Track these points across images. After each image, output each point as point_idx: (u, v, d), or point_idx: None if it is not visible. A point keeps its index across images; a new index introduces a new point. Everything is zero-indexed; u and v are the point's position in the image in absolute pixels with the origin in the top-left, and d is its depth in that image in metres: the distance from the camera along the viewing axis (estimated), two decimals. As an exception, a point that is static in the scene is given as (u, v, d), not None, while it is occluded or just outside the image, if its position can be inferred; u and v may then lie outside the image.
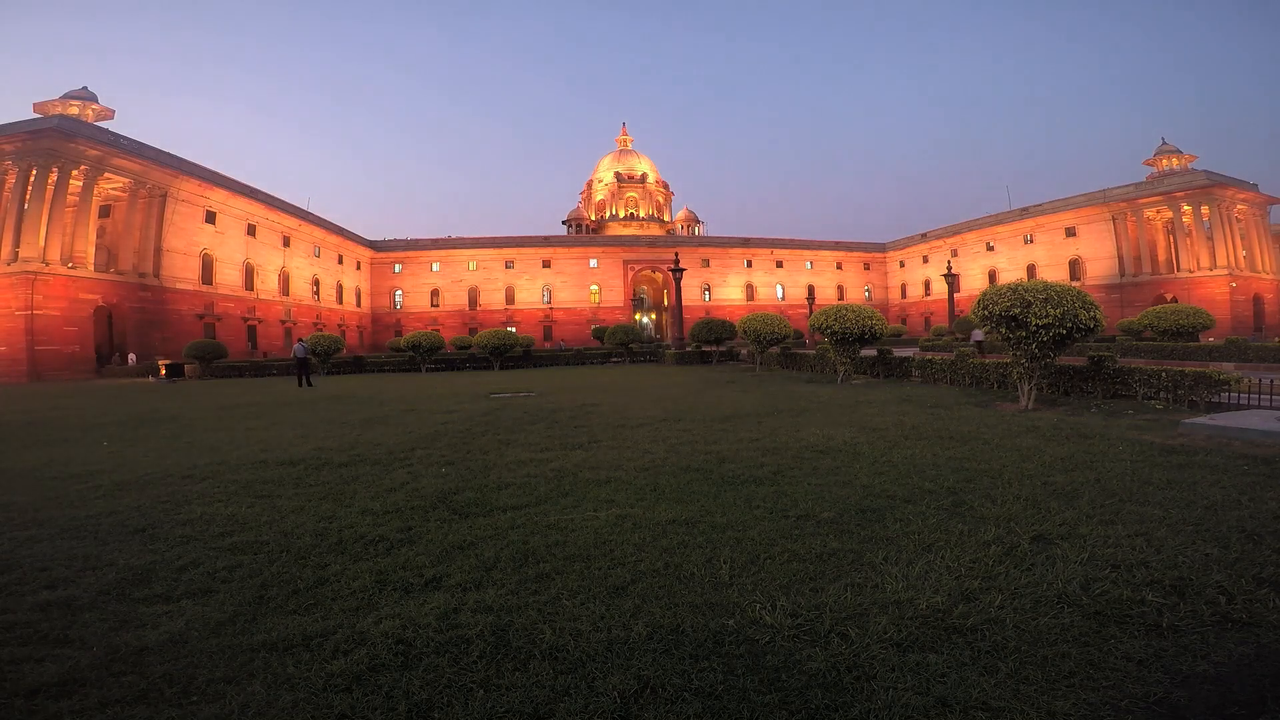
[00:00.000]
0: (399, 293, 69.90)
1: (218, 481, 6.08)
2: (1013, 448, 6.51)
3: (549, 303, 70.27)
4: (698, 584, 3.30)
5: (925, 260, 75.00)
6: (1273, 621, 2.72)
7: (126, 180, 38.00)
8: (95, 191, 36.30)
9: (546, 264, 70.85)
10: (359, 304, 66.19)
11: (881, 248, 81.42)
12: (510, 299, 69.76)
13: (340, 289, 62.40)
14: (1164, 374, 9.78)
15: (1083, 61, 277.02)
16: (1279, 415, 7.34)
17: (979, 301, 10.43)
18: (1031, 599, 2.97)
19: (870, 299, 77.53)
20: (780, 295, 75.09)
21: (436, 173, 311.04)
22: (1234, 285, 49.67)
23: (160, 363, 30.66)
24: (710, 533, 4.09)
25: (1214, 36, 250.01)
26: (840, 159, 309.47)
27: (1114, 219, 56.31)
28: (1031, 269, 61.35)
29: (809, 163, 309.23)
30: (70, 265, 34.19)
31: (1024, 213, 64.31)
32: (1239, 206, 52.51)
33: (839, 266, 79.31)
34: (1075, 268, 59.22)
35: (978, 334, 27.04)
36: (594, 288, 71.39)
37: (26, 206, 33.27)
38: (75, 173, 34.77)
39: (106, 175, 36.61)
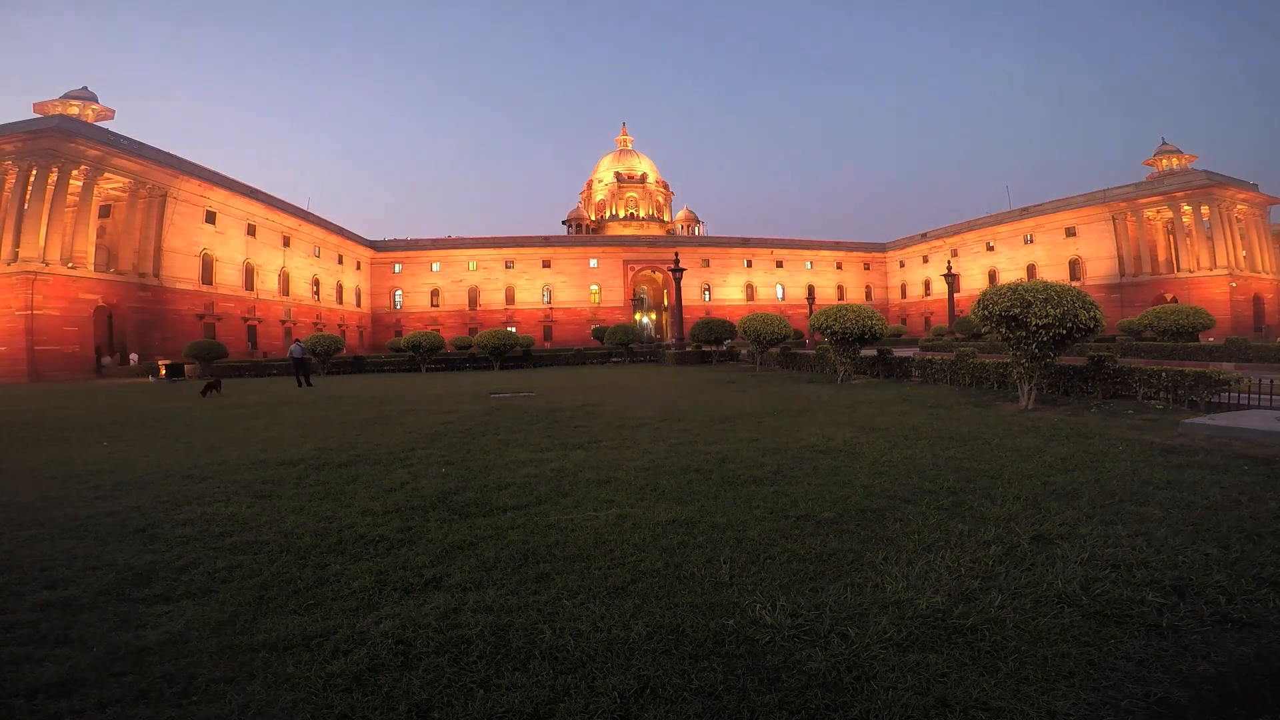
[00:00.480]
0: (399, 293, 69.90)
1: (218, 481, 6.08)
2: (1013, 448, 6.51)
3: (549, 303, 70.27)
4: (698, 584, 3.30)
5: (925, 260, 74.99)
6: (1273, 621, 2.72)
7: (126, 180, 38.00)
8: (95, 191, 36.29)
9: (546, 264, 70.85)
10: (359, 304, 66.18)
11: (881, 248, 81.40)
12: (510, 299, 69.76)
13: (340, 289, 62.40)
14: (1164, 374, 9.77)
15: (1083, 62, 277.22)
16: (1279, 415, 7.34)
17: (979, 301, 10.42)
18: (1031, 599, 2.97)
19: (870, 299, 77.51)
20: (780, 295, 75.09)
21: (437, 173, 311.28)
22: (1234, 285, 49.66)
23: (160, 363, 30.67)
24: (710, 533, 4.09)
25: (1214, 37, 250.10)
26: (840, 159, 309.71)
27: (1114, 219, 56.31)
28: (1031, 269, 61.35)
29: (809, 163, 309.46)
30: (70, 265, 34.19)
31: (1024, 213, 64.31)
32: (1239, 206, 52.51)
33: (839, 266, 79.31)
34: (1075, 268, 59.22)
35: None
36: (594, 288, 71.39)
37: (26, 206, 33.26)
38: (75, 173, 34.76)
39: (106, 175, 36.61)
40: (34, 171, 33.43)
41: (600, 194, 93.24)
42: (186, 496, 5.51)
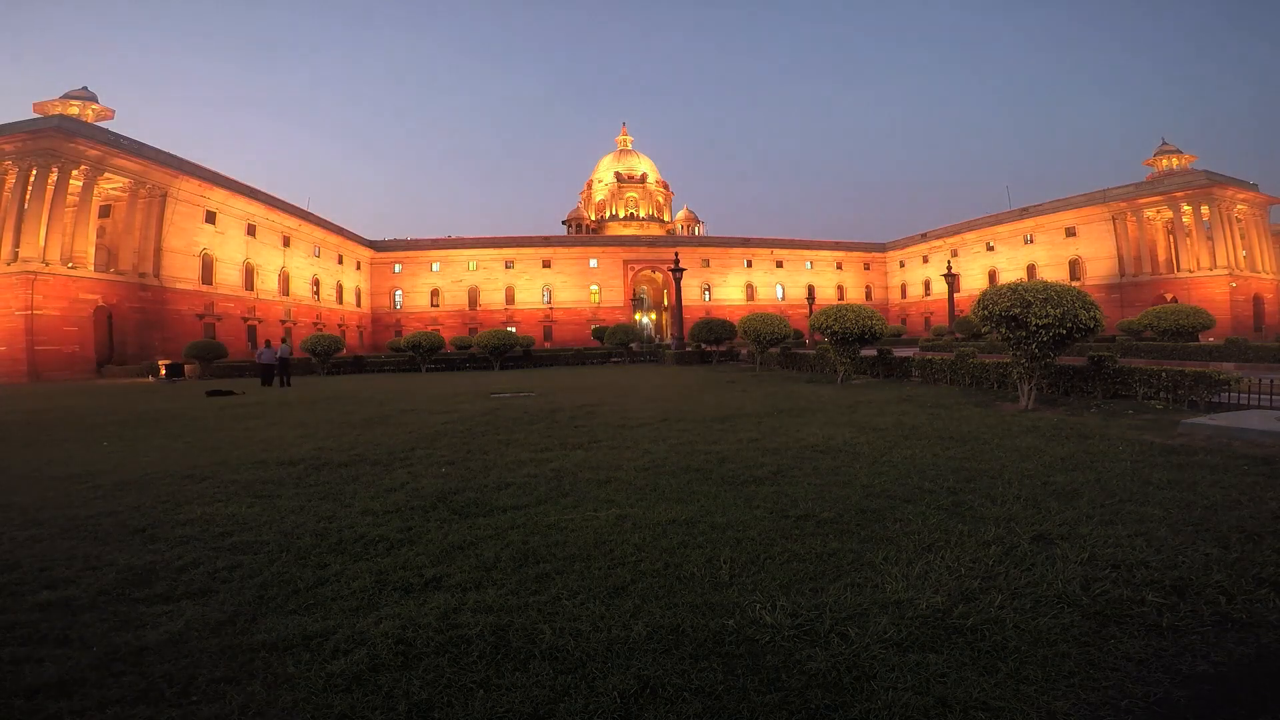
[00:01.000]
0: (399, 293, 69.90)
1: (218, 481, 6.08)
2: (1013, 448, 6.51)
3: (549, 303, 70.26)
4: (698, 584, 3.29)
5: (925, 260, 74.99)
6: (1273, 621, 2.72)
7: (126, 180, 37.99)
8: (95, 191, 36.29)
9: (546, 264, 70.84)
10: (359, 304, 66.18)
11: (881, 248, 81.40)
12: (510, 299, 69.76)
13: (340, 289, 62.40)
14: (1164, 374, 9.77)
15: (1083, 61, 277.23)
16: (1279, 415, 7.34)
17: (979, 301, 10.42)
18: (1031, 599, 2.97)
19: (870, 299, 77.48)
20: (780, 295, 75.08)
21: (436, 173, 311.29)
22: (1234, 285, 49.67)
23: (160, 363, 30.67)
24: (710, 533, 4.08)
25: (1214, 37, 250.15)
26: (841, 159, 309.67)
27: (1114, 219, 56.30)
28: (1031, 269, 61.35)
29: (810, 163, 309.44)
30: (70, 265, 34.18)
31: (1024, 213, 64.30)
32: (1239, 206, 52.51)
33: (839, 266, 79.30)
34: (1075, 268, 59.22)
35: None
36: (594, 288, 71.39)
37: (26, 206, 33.26)
38: (75, 173, 34.75)
39: (106, 175, 36.60)
40: (34, 171, 33.43)
41: (600, 194, 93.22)
42: (186, 496, 5.51)
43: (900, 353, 18.11)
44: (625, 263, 71.89)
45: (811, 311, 40.39)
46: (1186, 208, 51.63)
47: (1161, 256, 54.82)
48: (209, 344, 34.66)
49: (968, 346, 18.19)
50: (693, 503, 4.83)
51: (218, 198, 45.16)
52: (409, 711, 2.25)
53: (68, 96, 40.47)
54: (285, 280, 53.23)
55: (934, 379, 14.35)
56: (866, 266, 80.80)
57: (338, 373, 31.72)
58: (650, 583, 3.32)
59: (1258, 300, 52.27)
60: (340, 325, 59.12)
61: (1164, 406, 9.29)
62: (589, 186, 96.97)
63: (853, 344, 15.84)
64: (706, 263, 73.27)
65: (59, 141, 33.74)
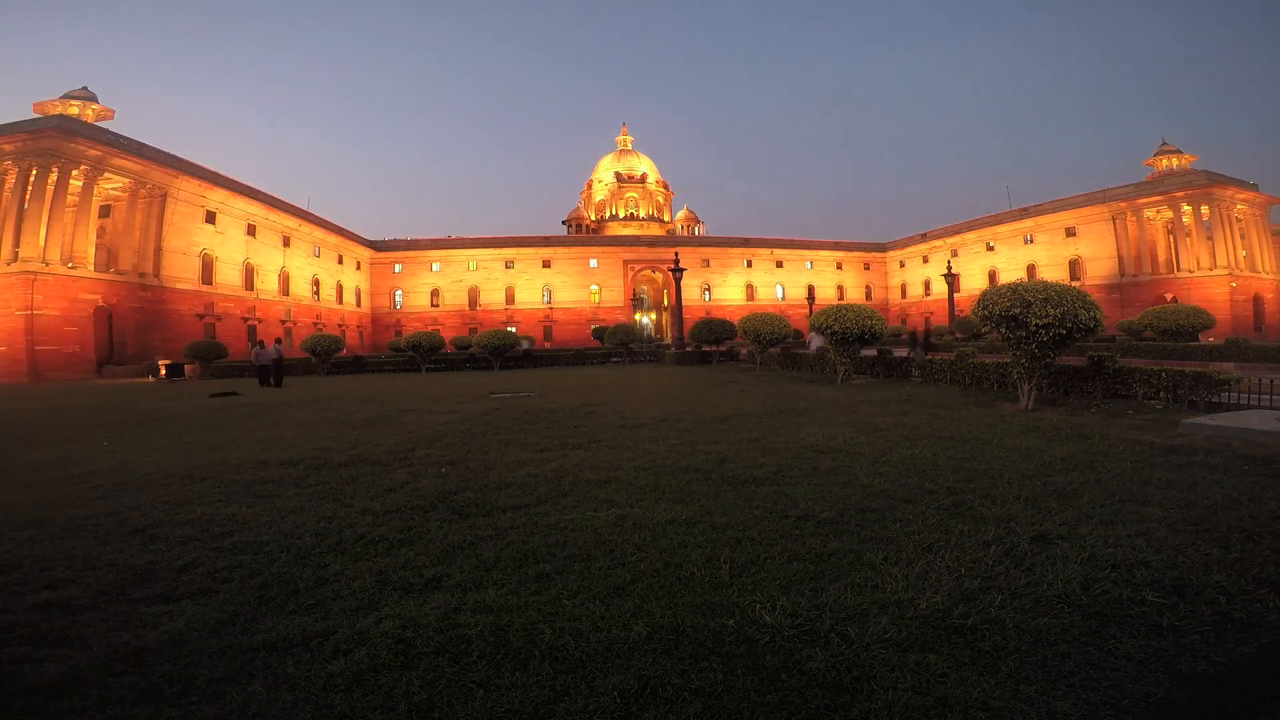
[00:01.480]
0: (399, 292, 69.90)
1: (218, 481, 6.08)
2: (1013, 448, 6.51)
3: (549, 303, 70.27)
4: (698, 584, 3.29)
5: (925, 260, 75.00)
6: (1273, 621, 2.72)
7: (126, 180, 37.99)
8: (95, 191, 36.29)
9: (546, 264, 70.85)
10: (359, 304, 66.18)
11: (881, 248, 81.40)
12: (510, 299, 69.76)
13: (340, 289, 62.40)
14: (1164, 374, 9.77)
15: (1083, 61, 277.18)
16: (1279, 415, 7.34)
17: (979, 301, 10.42)
18: (1031, 599, 2.97)
19: (870, 299, 77.49)
20: (780, 295, 75.09)
21: (436, 173, 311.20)
22: (1234, 285, 49.68)
23: (160, 363, 30.67)
24: (710, 533, 4.08)
25: (1214, 36, 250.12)
26: (841, 159, 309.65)
27: (1114, 219, 56.31)
28: (1031, 269, 61.35)
29: (809, 163, 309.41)
30: (70, 265, 34.18)
31: (1024, 213, 64.30)
32: (1239, 206, 52.51)
33: (839, 266, 79.31)
34: (1075, 268, 59.22)
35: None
36: (594, 288, 71.39)
37: (26, 206, 33.26)
38: (75, 173, 34.76)
39: (106, 175, 36.60)
40: (34, 171, 33.43)
41: (600, 194, 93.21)
42: (186, 496, 5.51)
43: (900, 353, 18.12)
44: (625, 263, 71.89)
45: (811, 311, 40.38)
46: (1186, 208, 51.63)
47: (1161, 256, 54.83)
48: (209, 344, 34.68)
49: (968, 346, 18.20)
50: (693, 503, 4.83)
51: (218, 198, 45.15)
52: (409, 711, 2.25)
53: (68, 96, 40.45)
54: (285, 280, 53.24)
55: (934, 379, 14.35)
56: (866, 266, 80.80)
57: (338, 373, 31.72)
58: (650, 583, 3.32)
59: (1258, 300, 52.29)
60: (340, 325, 59.12)
61: (1164, 406, 9.29)
62: (589, 186, 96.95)
63: (853, 344, 15.84)
64: (706, 263, 73.27)
65: (59, 141, 33.74)
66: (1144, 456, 5.89)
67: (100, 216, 38.08)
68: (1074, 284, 21.84)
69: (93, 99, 41.28)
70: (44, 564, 3.84)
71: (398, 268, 69.92)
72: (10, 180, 33.80)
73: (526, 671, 2.49)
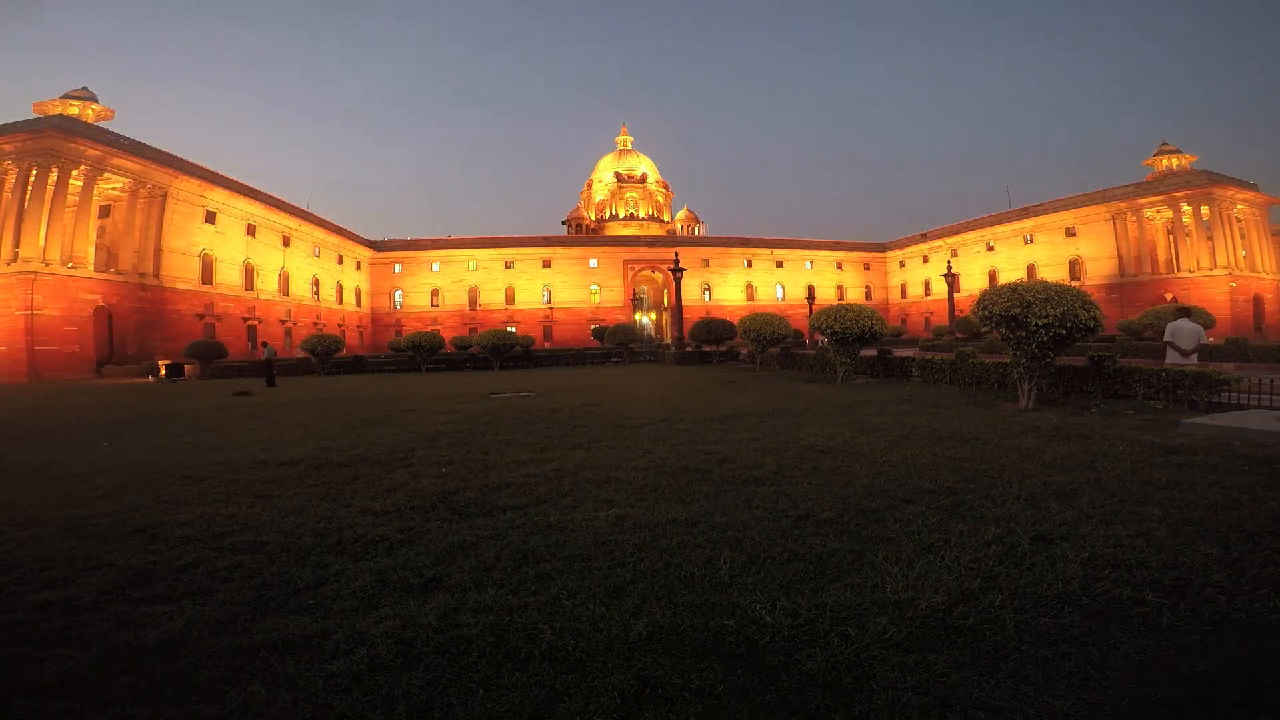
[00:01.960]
0: (399, 293, 69.91)
1: (218, 481, 6.08)
2: (1013, 448, 6.51)
3: (549, 303, 70.28)
4: (698, 584, 3.29)
5: (925, 260, 75.00)
6: (1273, 621, 2.72)
7: (126, 180, 37.99)
8: (95, 191, 36.28)
9: (546, 264, 70.86)
10: (359, 304, 66.18)
11: (881, 248, 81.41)
12: (510, 299, 69.77)
13: (340, 289, 62.41)
14: (1164, 374, 9.77)
15: (1083, 61, 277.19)
16: (1279, 415, 7.34)
17: (979, 301, 10.42)
18: (1031, 599, 2.97)
19: (870, 299, 77.51)
20: (780, 295, 75.09)
21: (436, 173, 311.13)
22: (1234, 285, 49.68)
23: (160, 363, 30.67)
24: (710, 533, 4.08)
25: (1214, 36, 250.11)
26: (841, 159, 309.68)
27: (1114, 219, 56.32)
28: (1031, 269, 61.34)
29: (809, 163, 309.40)
30: (70, 265, 34.19)
31: (1024, 213, 64.31)
32: (1239, 206, 52.51)
33: (839, 266, 79.32)
34: (1075, 268, 59.22)
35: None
36: (594, 288, 71.39)
37: (26, 206, 33.26)
38: (75, 173, 34.75)
39: (106, 175, 36.60)
40: (34, 171, 33.42)
41: (600, 194, 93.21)
42: (186, 496, 5.51)
43: (900, 353, 18.12)
44: (625, 263, 71.90)
45: (811, 311, 40.40)
46: (1186, 208, 51.64)
47: (1161, 256, 54.83)
48: (209, 344, 34.67)
49: (968, 346, 18.20)
50: (693, 503, 4.83)
51: (218, 198, 45.16)
52: (409, 711, 2.25)
53: (68, 96, 40.44)
54: (285, 280, 53.24)
55: (934, 379, 14.35)
56: (866, 266, 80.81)
57: (338, 373, 31.73)
58: (650, 583, 3.32)
59: (1258, 300, 52.29)
60: (340, 325, 59.12)
61: (1164, 406, 9.29)
62: (589, 186, 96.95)
63: (853, 344, 15.85)
64: (706, 263, 73.28)
65: (59, 141, 33.73)
66: (1144, 456, 5.89)
67: (100, 216, 38.08)
68: (1074, 284, 21.84)
69: (93, 99, 41.27)
70: (44, 564, 3.84)
71: (398, 268, 69.93)
72: (10, 180, 33.80)
73: (526, 671, 2.49)
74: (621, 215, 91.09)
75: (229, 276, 46.33)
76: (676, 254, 36.70)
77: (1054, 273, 58.32)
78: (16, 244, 32.94)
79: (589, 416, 10.24)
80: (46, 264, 33.01)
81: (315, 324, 54.40)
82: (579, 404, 12.28)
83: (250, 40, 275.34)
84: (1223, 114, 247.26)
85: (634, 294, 72.20)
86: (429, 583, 3.43)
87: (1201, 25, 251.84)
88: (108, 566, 3.77)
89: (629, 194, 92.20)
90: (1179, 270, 52.34)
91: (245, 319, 47.37)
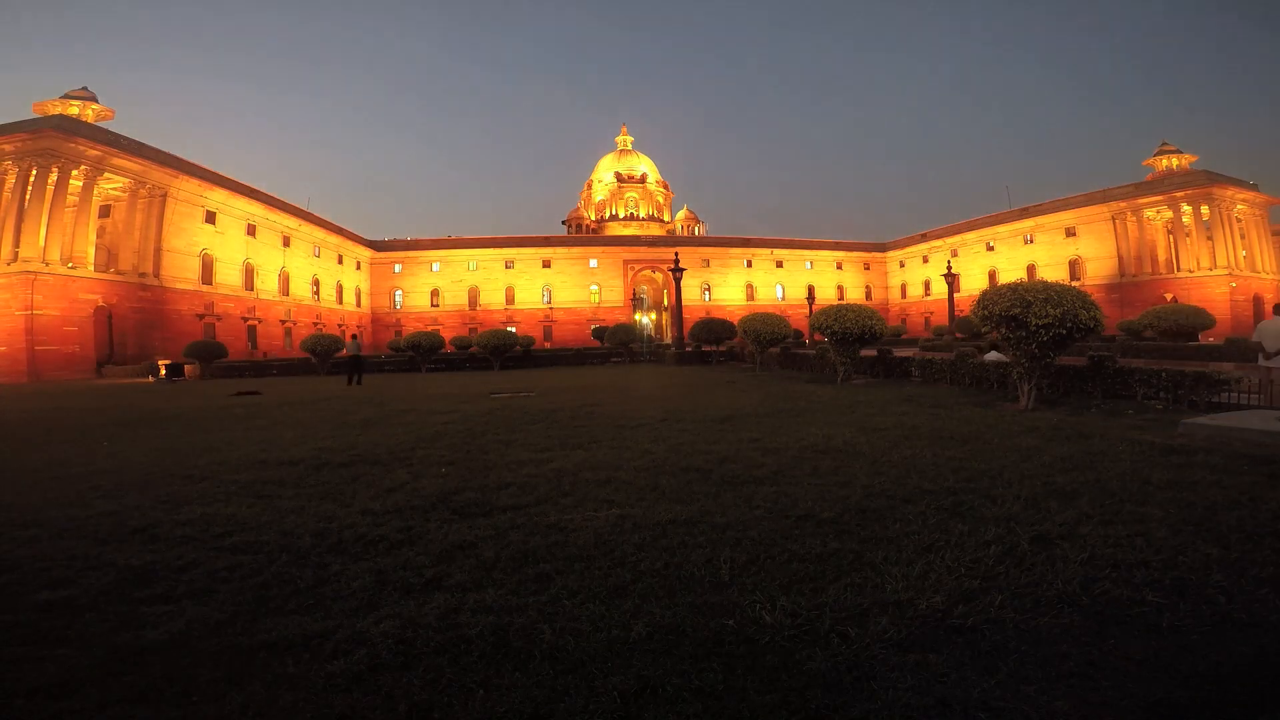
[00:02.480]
0: (399, 292, 69.93)
1: (218, 481, 6.08)
2: (1013, 448, 6.50)
3: (549, 303, 70.30)
4: (698, 584, 3.29)
5: (925, 260, 75.02)
6: (1273, 621, 2.72)
7: (126, 180, 38.00)
8: (95, 191, 36.30)
9: (546, 264, 70.87)
10: (359, 304, 66.20)
11: (881, 248, 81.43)
12: (510, 299, 69.78)
13: (340, 289, 62.42)
14: (1164, 374, 9.77)
15: (1083, 61, 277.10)
16: (1279, 415, 7.33)
17: (979, 301, 10.42)
18: (1031, 599, 2.97)
19: (870, 299, 77.52)
20: (780, 295, 75.10)
21: (436, 173, 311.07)
22: (1234, 285, 49.69)
23: (160, 363, 30.67)
24: (710, 533, 4.08)
25: (1214, 36, 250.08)
26: (840, 159, 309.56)
27: (1114, 219, 56.33)
28: (1031, 269, 61.35)
29: (809, 162, 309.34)
30: (70, 265, 34.19)
31: (1024, 213, 64.33)
32: (1239, 206, 52.53)
33: (839, 266, 79.34)
34: (1075, 268, 59.24)
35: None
36: (594, 288, 71.40)
37: (26, 206, 33.26)
38: (75, 173, 34.76)
39: (106, 175, 36.61)
40: (34, 171, 33.43)
41: (600, 194, 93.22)
42: (186, 496, 5.51)
43: (900, 353, 18.12)
44: (625, 263, 71.91)
45: (811, 311, 40.39)
46: (1186, 208, 51.65)
47: (1161, 256, 54.84)
48: (209, 344, 34.64)
49: (968, 346, 18.19)
50: (693, 503, 4.83)
51: (218, 198, 45.17)
52: (409, 711, 2.25)
53: (68, 96, 40.44)
54: (285, 280, 53.26)
55: (934, 379, 14.35)
56: (866, 266, 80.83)
57: (338, 372, 31.70)
58: (650, 583, 3.32)
59: (1258, 300, 52.24)
60: (340, 325, 59.11)
61: (1164, 406, 9.29)
62: (589, 186, 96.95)
63: (853, 344, 15.84)
64: (706, 263, 73.30)
65: (59, 141, 33.74)
66: (1144, 456, 5.89)
67: (100, 216, 38.08)
68: (1074, 284, 21.86)
69: (93, 99, 41.27)
70: (44, 564, 3.84)
71: (398, 268, 69.94)
72: (10, 180, 33.80)
73: (526, 671, 2.48)
74: (621, 215, 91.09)
75: (229, 276, 46.34)
76: (676, 254, 36.70)
77: (1054, 273, 58.31)
78: (16, 244, 32.94)
79: (589, 416, 10.24)
80: (46, 264, 33.01)
81: (315, 324, 54.41)
82: (579, 404, 12.28)
83: (251, 41, 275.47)
84: (1223, 114, 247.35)
85: (634, 294, 72.21)
86: (429, 583, 3.42)
87: (1202, 25, 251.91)
88: (108, 566, 3.77)
89: (629, 194, 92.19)
90: (1179, 270, 52.35)
91: (245, 319, 47.38)
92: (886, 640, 2.63)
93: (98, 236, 37.53)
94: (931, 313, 70.38)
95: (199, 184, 43.20)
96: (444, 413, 11.45)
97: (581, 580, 3.38)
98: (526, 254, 70.84)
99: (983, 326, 10.73)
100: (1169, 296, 49.70)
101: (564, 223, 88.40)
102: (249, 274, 48.74)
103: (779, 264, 76.76)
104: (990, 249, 67.50)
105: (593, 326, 59.52)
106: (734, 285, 74.66)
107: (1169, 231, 54.54)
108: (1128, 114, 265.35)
